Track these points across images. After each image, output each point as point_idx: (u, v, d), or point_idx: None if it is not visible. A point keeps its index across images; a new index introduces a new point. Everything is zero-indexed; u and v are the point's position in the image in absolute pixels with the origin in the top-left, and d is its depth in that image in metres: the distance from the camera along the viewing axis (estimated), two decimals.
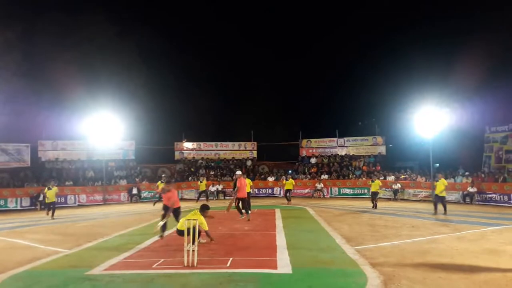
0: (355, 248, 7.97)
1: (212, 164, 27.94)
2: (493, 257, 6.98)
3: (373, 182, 17.06)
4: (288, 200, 19.49)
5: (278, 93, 39.77)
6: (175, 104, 33.10)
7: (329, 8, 45.21)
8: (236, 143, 29.32)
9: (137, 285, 5.66)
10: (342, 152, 27.78)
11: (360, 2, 42.04)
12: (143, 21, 35.24)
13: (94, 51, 29.02)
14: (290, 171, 25.88)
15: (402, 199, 20.70)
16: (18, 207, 20.04)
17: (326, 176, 24.67)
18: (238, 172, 13.63)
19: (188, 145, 28.69)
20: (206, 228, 8.04)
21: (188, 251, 6.66)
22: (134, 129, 27.29)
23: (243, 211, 12.70)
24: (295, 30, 46.54)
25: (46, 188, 15.44)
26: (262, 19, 47.32)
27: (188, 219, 7.21)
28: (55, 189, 15.39)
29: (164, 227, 9.24)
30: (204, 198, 21.88)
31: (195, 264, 6.52)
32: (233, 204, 12.72)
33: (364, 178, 23.20)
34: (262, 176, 26.00)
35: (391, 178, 22.32)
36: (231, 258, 7.05)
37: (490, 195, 17.96)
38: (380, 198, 21.63)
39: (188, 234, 6.83)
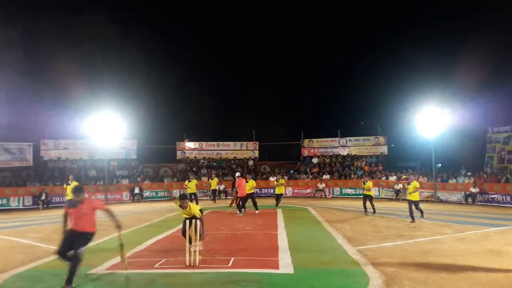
0: (357, 248, 7.96)
1: (214, 164, 27.96)
2: (495, 258, 6.96)
3: (365, 184, 14.45)
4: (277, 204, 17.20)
5: (280, 93, 39.85)
6: (177, 104, 33.20)
7: (330, 7, 45.21)
8: (238, 143, 29.33)
9: (139, 284, 5.67)
10: (344, 152, 27.76)
11: (361, 1, 42.00)
12: (144, 20, 35.41)
13: (95, 51, 29.08)
14: (292, 171, 25.87)
15: (404, 199, 20.64)
16: (21, 206, 20.09)
17: (327, 176, 24.65)
18: (238, 174, 15.25)
19: (190, 144, 28.72)
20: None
21: (190, 251, 6.67)
22: (136, 129, 27.32)
23: (243, 209, 13.98)
24: (297, 29, 46.58)
25: (65, 184, 13.95)
26: (263, 19, 47.38)
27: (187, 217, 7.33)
28: (74, 184, 13.61)
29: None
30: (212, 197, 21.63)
31: (197, 264, 6.53)
32: (234, 203, 13.95)
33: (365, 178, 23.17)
34: (264, 176, 26.01)
35: (393, 178, 22.28)
36: (232, 258, 7.06)
37: (492, 196, 17.90)
38: (382, 198, 21.72)
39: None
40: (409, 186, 12.23)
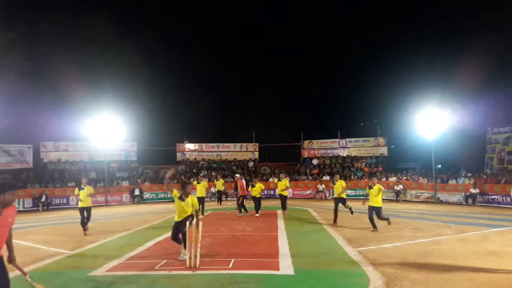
0: (357, 249, 7.95)
1: (214, 165, 27.96)
2: (495, 259, 6.96)
3: (335, 184, 12.39)
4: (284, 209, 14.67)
5: (280, 94, 39.91)
6: (177, 105, 33.25)
7: (331, 9, 45.31)
8: (238, 144, 29.34)
9: (139, 286, 5.66)
10: (344, 153, 27.77)
11: (362, 3, 42.10)
12: (144, 22, 35.45)
13: (95, 53, 29.15)
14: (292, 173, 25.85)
15: (404, 200, 20.67)
16: (21, 208, 20.04)
17: (327, 177, 24.65)
18: (237, 175, 15.22)
19: (190, 146, 28.74)
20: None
21: (190, 252, 6.67)
22: (136, 130, 27.37)
23: (242, 210, 14.36)
24: (297, 31, 46.66)
25: (77, 189, 11.40)
26: (264, 20, 47.45)
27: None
28: (89, 188, 11.37)
29: None
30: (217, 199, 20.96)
31: (197, 266, 6.52)
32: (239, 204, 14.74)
33: (366, 179, 23.15)
34: (264, 177, 26.01)
35: (393, 179, 22.28)
36: (233, 260, 7.06)
37: (492, 197, 17.90)
38: (382, 199, 21.63)
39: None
40: (371, 190, 10.49)
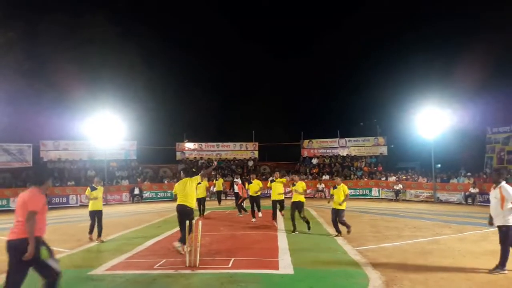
0: (357, 249, 7.96)
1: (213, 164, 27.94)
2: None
3: (294, 186, 10.39)
4: (280, 211, 12.51)
5: (280, 94, 39.94)
6: (177, 105, 33.25)
7: (330, 8, 45.30)
8: (238, 144, 29.35)
9: (139, 285, 5.67)
10: (343, 152, 27.78)
11: (362, 3, 42.08)
12: (144, 22, 35.40)
13: (95, 52, 29.13)
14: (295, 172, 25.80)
15: (404, 200, 20.68)
16: None
17: (327, 177, 24.66)
18: (236, 179, 15.78)
19: (189, 145, 28.73)
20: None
21: (190, 251, 6.67)
22: (136, 130, 27.36)
23: (242, 211, 14.49)
24: (297, 30, 46.67)
25: (88, 189, 9.91)
26: (263, 19, 47.42)
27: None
28: (101, 189, 10.07)
29: None
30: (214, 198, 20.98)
31: (197, 265, 6.53)
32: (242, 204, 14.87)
33: (365, 179, 23.17)
34: (264, 177, 25.97)
35: (392, 178, 22.30)
36: (232, 259, 7.06)
37: None
38: (382, 199, 21.74)
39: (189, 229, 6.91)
40: (335, 190, 9.58)
